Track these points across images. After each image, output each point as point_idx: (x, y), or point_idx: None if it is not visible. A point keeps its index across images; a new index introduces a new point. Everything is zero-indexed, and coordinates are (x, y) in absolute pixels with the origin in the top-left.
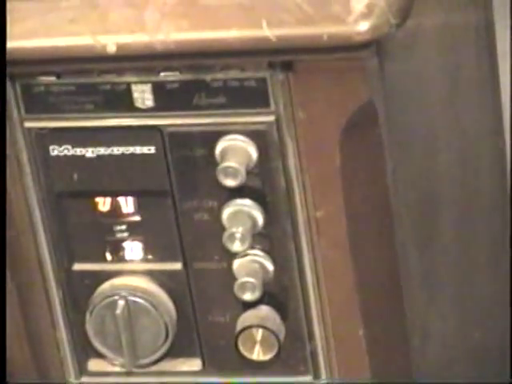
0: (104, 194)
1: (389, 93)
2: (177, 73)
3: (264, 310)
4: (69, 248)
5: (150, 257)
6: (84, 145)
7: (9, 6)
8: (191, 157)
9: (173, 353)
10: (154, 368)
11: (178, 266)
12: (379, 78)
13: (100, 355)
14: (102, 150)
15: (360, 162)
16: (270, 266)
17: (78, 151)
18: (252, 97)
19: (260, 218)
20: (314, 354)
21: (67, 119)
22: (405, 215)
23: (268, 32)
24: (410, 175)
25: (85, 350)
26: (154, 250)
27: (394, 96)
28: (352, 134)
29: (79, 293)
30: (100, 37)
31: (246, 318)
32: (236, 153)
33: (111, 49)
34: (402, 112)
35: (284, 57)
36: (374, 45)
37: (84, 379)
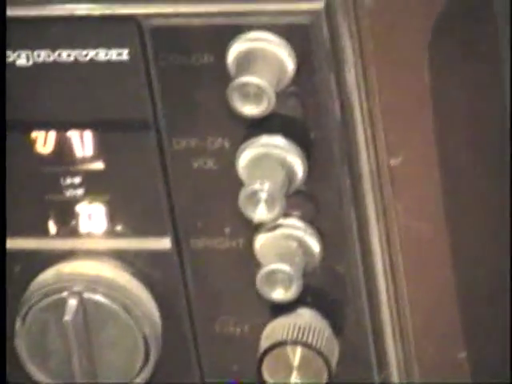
0: (46, 127)
1: None
2: None
3: (305, 315)
4: None
5: (119, 229)
6: (14, 46)
7: None
8: (187, 67)
9: (158, 381)
10: None
11: (164, 243)
12: None
13: None
14: (43, 55)
15: (464, 79)
16: (316, 246)
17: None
18: None
19: (299, 168)
20: None
21: None
22: None
23: None
24: None
25: (13, 378)
26: (127, 217)
27: None
28: (451, 32)
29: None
30: None
31: (277, 328)
32: (261, 62)
33: None
34: None
35: None
36: None
37: None
